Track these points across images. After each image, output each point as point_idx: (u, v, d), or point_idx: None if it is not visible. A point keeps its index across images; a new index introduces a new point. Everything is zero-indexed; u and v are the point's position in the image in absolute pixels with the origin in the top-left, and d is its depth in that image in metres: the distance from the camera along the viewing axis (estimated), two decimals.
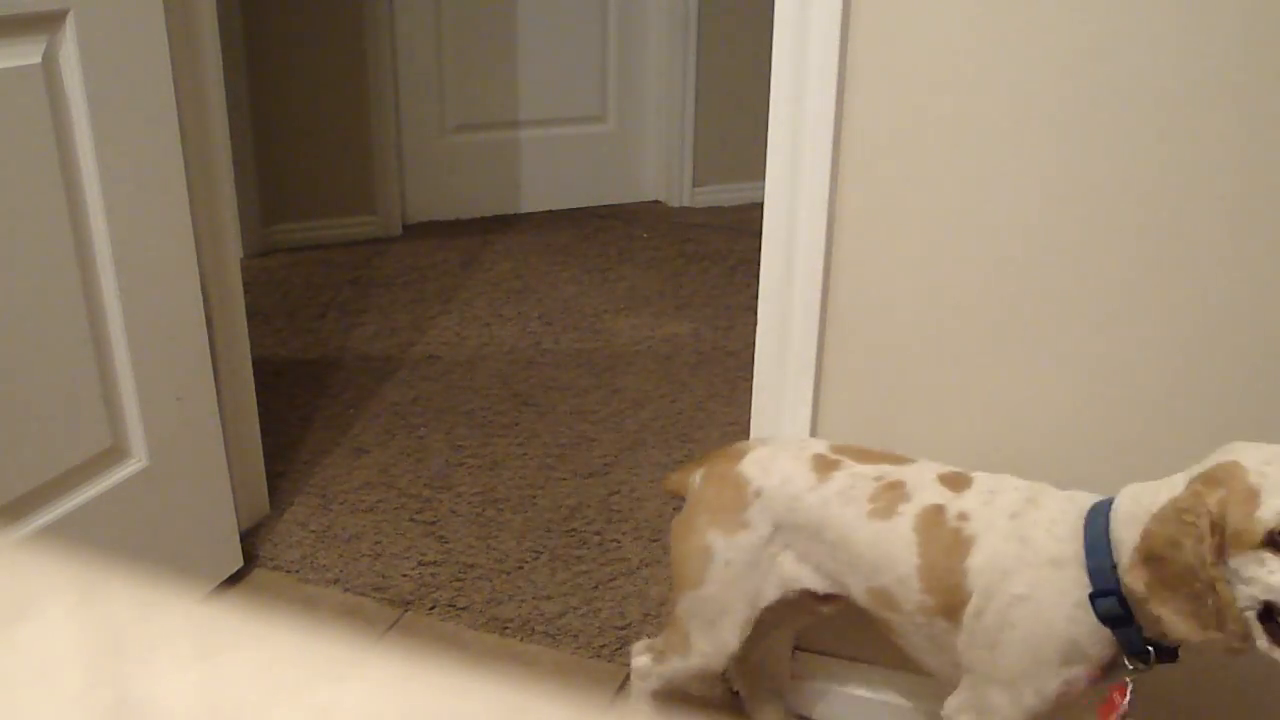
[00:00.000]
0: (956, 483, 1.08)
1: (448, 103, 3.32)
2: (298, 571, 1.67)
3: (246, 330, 1.73)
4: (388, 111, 3.17)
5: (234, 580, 1.64)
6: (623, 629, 1.53)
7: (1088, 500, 1.00)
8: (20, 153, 1.21)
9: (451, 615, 1.56)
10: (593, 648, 1.50)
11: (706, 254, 3.11)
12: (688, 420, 2.15)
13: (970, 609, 1.03)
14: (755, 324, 1.25)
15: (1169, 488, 0.93)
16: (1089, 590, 0.96)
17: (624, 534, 1.75)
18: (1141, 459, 1.15)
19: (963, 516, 1.04)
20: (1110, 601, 0.95)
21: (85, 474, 1.35)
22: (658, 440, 2.06)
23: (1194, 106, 1.02)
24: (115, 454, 1.40)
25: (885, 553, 1.08)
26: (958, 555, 1.03)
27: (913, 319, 1.18)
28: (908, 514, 1.07)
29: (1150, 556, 0.90)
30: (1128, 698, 0.98)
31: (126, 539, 1.43)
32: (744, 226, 3.28)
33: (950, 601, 1.05)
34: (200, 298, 1.51)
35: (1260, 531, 0.86)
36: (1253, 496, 0.86)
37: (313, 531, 1.76)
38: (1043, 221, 1.10)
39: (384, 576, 1.65)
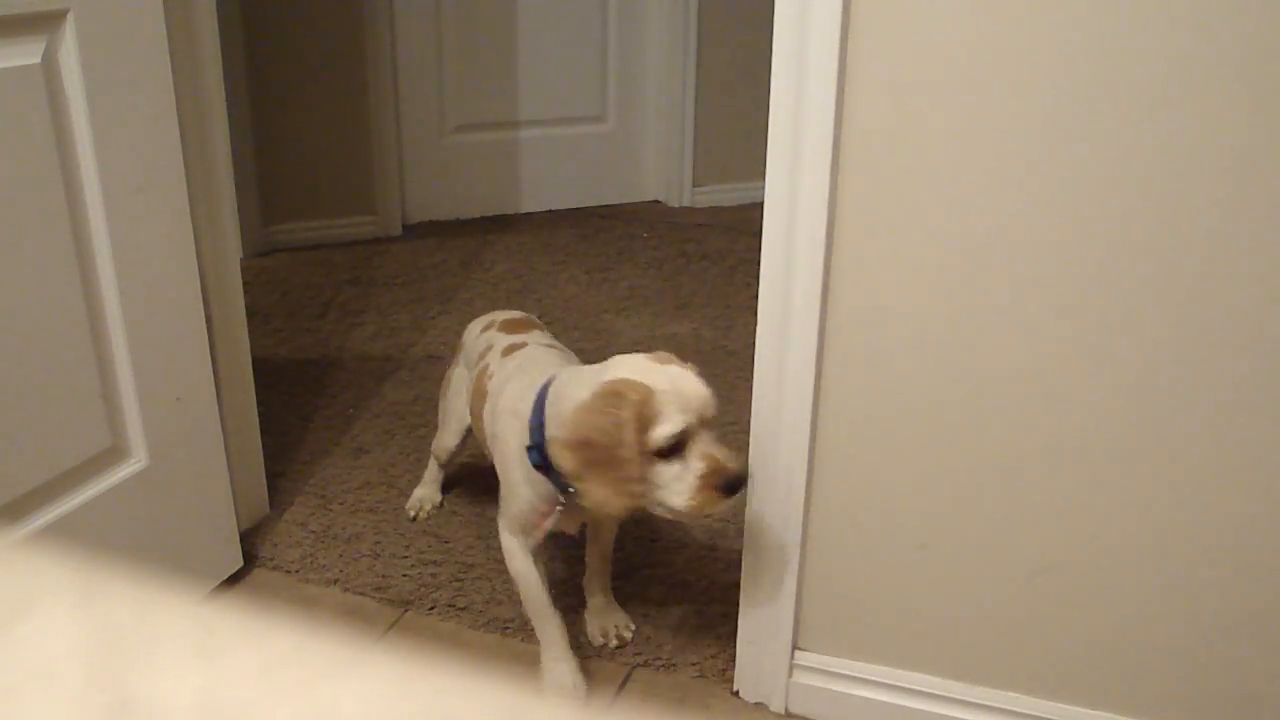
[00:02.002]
0: (508, 351, 1.48)
1: (448, 103, 3.32)
2: (298, 571, 1.67)
3: (246, 330, 1.73)
4: (388, 111, 3.17)
5: (234, 580, 1.64)
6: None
7: (555, 374, 1.29)
8: (20, 153, 1.21)
9: (451, 615, 1.56)
10: (593, 647, 1.50)
11: (706, 254, 3.11)
12: None
13: (487, 439, 1.44)
14: (755, 324, 1.25)
15: (579, 384, 1.20)
16: (527, 442, 1.27)
17: (624, 533, 1.75)
18: (1144, 451, 1.15)
19: (490, 375, 1.46)
20: (534, 453, 1.26)
21: (85, 474, 1.35)
22: None
23: (1198, 103, 1.02)
24: (115, 454, 1.40)
25: (466, 393, 1.58)
26: (480, 402, 1.47)
27: (914, 318, 1.18)
28: (477, 368, 1.52)
29: (581, 442, 1.14)
30: (554, 514, 1.31)
31: (126, 539, 1.43)
32: (744, 226, 3.28)
33: (480, 435, 1.50)
34: (200, 298, 1.51)
35: (652, 446, 1.13)
36: (654, 418, 1.13)
37: (313, 531, 1.76)
38: (1045, 220, 1.10)
39: (384, 576, 1.65)
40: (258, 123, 3.02)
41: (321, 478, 1.92)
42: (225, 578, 1.63)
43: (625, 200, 3.60)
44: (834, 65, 1.09)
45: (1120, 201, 1.07)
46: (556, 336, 2.53)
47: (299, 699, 0.25)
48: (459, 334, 2.53)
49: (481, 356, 1.53)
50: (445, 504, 1.84)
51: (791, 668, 1.38)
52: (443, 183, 3.39)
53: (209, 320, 1.55)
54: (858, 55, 1.10)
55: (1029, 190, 1.09)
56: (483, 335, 1.60)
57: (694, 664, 1.47)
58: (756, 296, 1.23)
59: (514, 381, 1.37)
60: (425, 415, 2.15)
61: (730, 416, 2.16)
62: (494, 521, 1.77)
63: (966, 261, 1.14)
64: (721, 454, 1.15)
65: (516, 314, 1.67)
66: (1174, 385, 1.11)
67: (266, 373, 2.10)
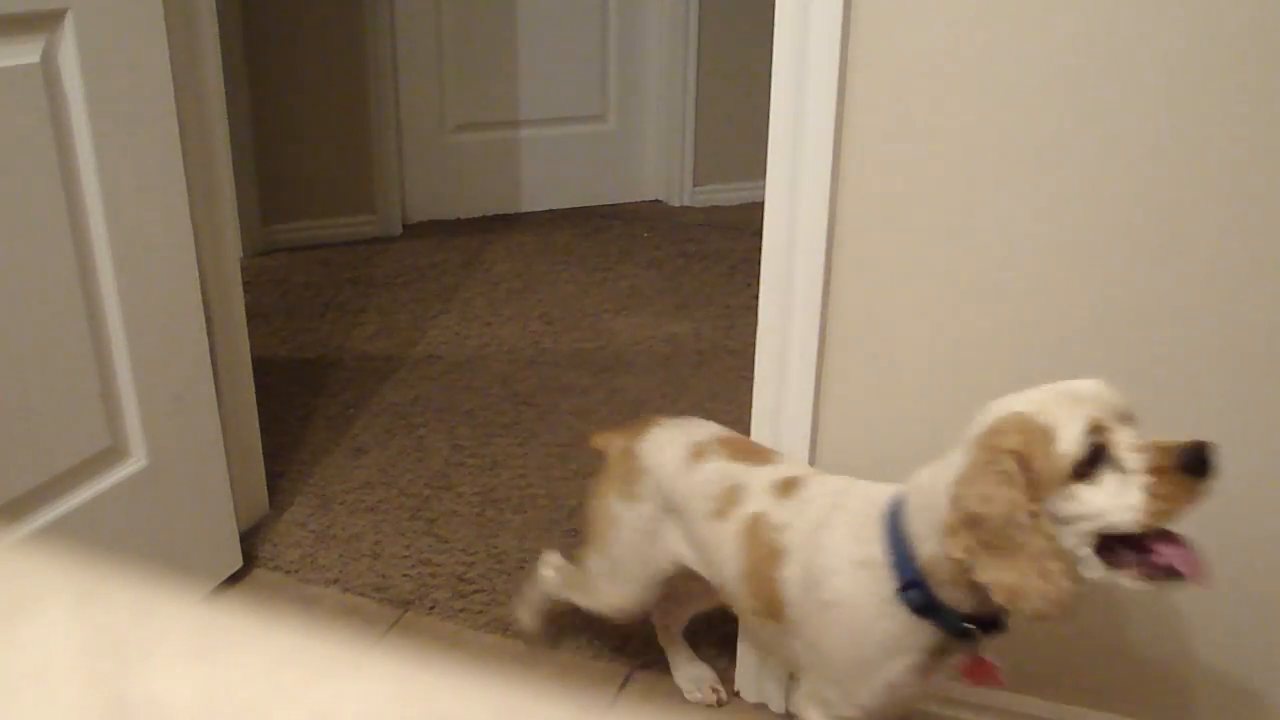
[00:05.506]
0: (785, 489, 1.11)
1: (448, 103, 3.32)
2: (297, 571, 1.67)
3: (246, 330, 1.73)
4: (388, 111, 3.17)
5: (234, 580, 1.64)
6: (623, 628, 1.53)
7: (885, 496, 1.01)
8: (20, 153, 1.21)
9: (451, 615, 1.56)
10: (593, 648, 1.50)
11: (706, 254, 3.11)
12: None
13: (790, 615, 1.07)
14: (755, 324, 1.25)
15: (947, 467, 0.94)
16: (895, 586, 0.97)
17: None
18: None
19: (779, 527, 1.08)
20: (915, 593, 0.96)
21: (84, 474, 1.35)
22: None
23: (1204, 101, 1.02)
24: (114, 454, 1.40)
25: (720, 554, 1.14)
26: (774, 566, 1.07)
27: (914, 318, 1.18)
28: (736, 520, 1.11)
29: (966, 520, 0.89)
30: (993, 666, 1.01)
31: (126, 539, 1.43)
32: (744, 226, 3.28)
33: (773, 607, 1.09)
34: (200, 298, 1.51)
35: (1066, 465, 0.86)
36: (1048, 434, 0.86)
37: (312, 531, 1.76)
38: (1045, 221, 1.10)
39: (384, 576, 1.65)
40: (258, 123, 3.02)
41: (321, 478, 1.92)
42: (225, 578, 1.63)
43: (625, 200, 3.60)
44: (834, 65, 1.09)
45: (1124, 200, 1.07)
46: (557, 337, 2.54)
47: (299, 699, 0.25)
48: (459, 334, 2.55)
49: (728, 502, 1.13)
50: (445, 503, 1.84)
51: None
52: (443, 182, 3.39)
53: (209, 320, 1.55)
54: (858, 55, 1.10)
55: (1030, 189, 1.09)
56: (701, 467, 1.17)
57: None
58: (756, 296, 1.23)
59: (832, 530, 1.03)
60: (425, 415, 2.15)
61: (731, 416, 2.16)
62: (494, 523, 1.78)
63: (967, 261, 1.14)
64: (1159, 439, 0.87)
65: (726, 432, 1.26)
66: (1176, 386, 1.11)
67: (266, 373, 2.10)
